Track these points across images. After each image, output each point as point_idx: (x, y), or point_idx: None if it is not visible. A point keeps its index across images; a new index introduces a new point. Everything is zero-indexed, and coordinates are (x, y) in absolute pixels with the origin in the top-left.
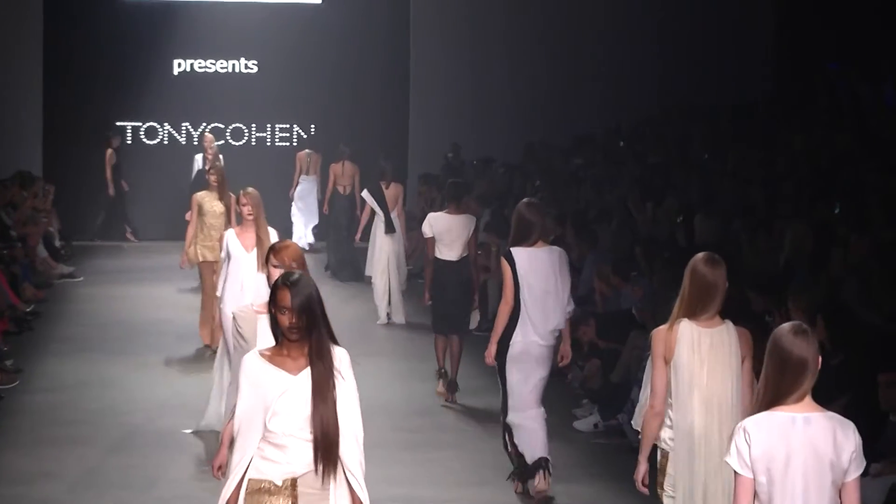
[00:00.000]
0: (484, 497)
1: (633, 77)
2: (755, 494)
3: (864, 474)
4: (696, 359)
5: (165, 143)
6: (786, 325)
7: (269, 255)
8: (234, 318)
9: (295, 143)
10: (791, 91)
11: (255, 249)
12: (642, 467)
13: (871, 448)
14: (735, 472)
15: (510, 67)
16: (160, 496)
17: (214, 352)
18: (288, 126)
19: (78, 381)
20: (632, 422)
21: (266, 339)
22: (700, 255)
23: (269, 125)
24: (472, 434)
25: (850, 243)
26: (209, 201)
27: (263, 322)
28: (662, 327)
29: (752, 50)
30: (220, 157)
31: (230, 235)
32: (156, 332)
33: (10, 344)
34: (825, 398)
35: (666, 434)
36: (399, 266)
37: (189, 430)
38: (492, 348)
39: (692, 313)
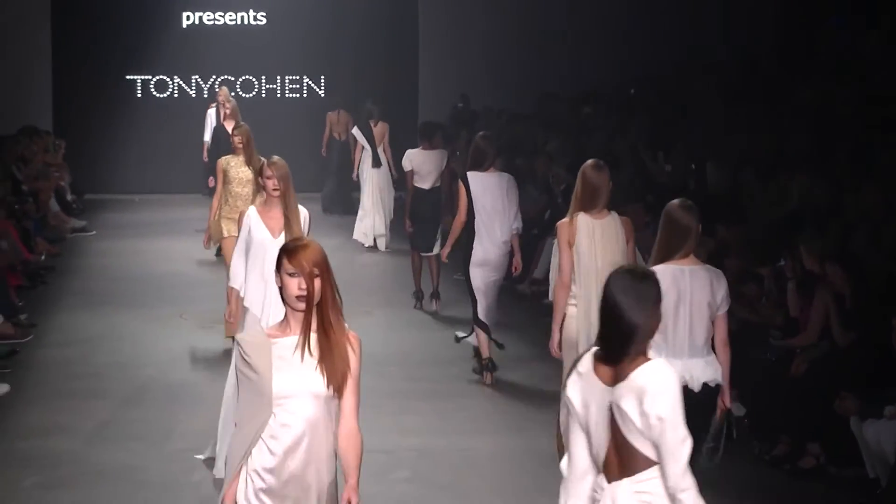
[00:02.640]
0: (498, 446)
1: (643, 31)
2: None
3: (879, 416)
4: (592, 243)
5: (176, 95)
6: (675, 202)
7: (280, 259)
8: (238, 344)
9: (305, 95)
10: (796, 45)
11: (282, 233)
12: (556, 336)
13: (886, 390)
14: None
15: (520, 17)
16: (174, 448)
17: None
18: (298, 77)
19: (91, 335)
20: (549, 297)
21: (284, 371)
22: (589, 161)
23: (278, 77)
24: (486, 384)
25: (860, 192)
26: (235, 167)
27: (282, 347)
28: (565, 220)
29: (758, 4)
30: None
31: (252, 214)
32: (168, 285)
33: (23, 298)
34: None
35: (570, 304)
36: (384, 197)
37: (201, 457)
38: (446, 250)
39: (585, 208)
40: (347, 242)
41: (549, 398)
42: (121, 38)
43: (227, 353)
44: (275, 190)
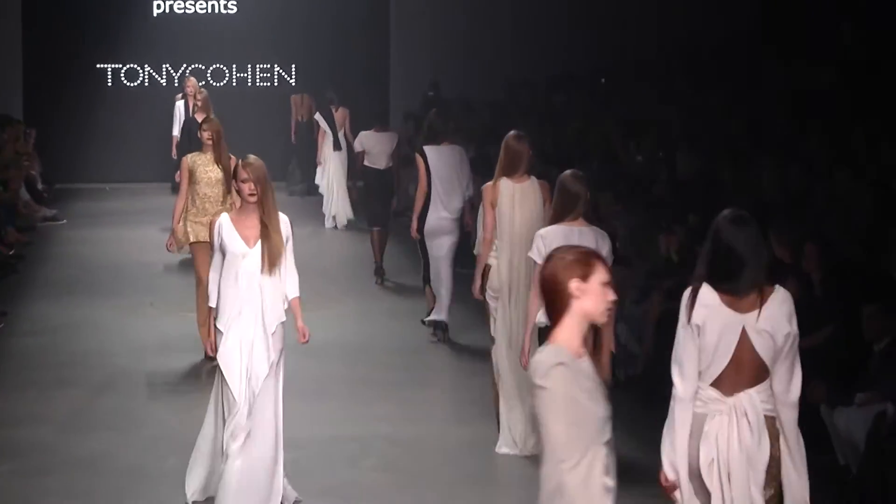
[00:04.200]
0: (468, 435)
1: (618, 14)
2: None
3: (849, 404)
4: (512, 204)
5: (146, 84)
6: (567, 172)
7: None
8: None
9: (276, 84)
10: (774, 26)
11: (258, 243)
12: (477, 281)
13: (857, 378)
14: (535, 262)
15: (492, 4)
16: (148, 436)
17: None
18: (269, 66)
19: (63, 324)
20: (475, 250)
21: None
22: (511, 132)
23: (249, 66)
24: (457, 372)
25: (834, 178)
26: (203, 165)
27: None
28: (489, 184)
29: None
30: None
31: (225, 222)
32: (140, 273)
33: None
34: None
35: (492, 257)
36: (342, 178)
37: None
38: (414, 224)
39: (507, 174)
40: (318, 231)
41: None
42: (91, 27)
43: (199, 342)
44: (251, 195)
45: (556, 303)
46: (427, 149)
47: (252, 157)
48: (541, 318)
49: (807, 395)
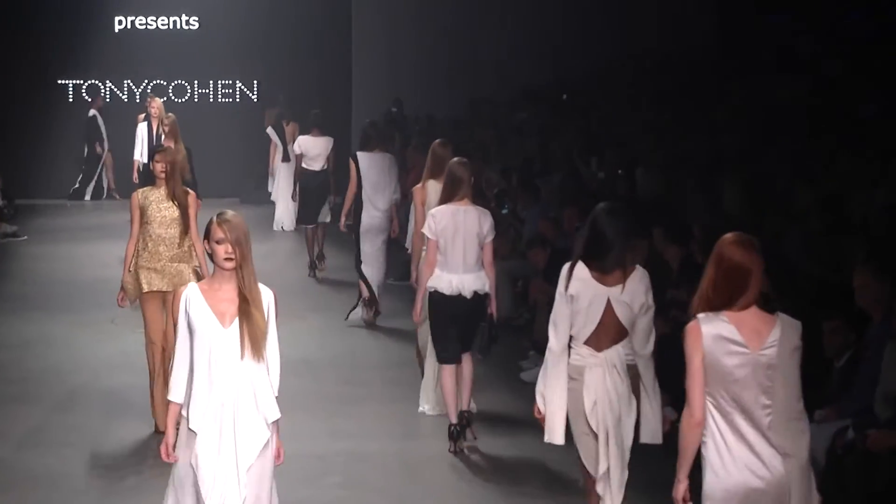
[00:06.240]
0: (432, 449)
1: (578, 30)
2: (438, 248)
3: (809, 421)
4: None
5: (108, 100)
6: (454, 160)
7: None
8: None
9: (238, 100)
10: (733, 42)
11: (236, 322)
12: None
13: (816, 394)
14: (427, 237)
15: (453, 21)
16: (106, 454)
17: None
18: (230, 82)
19: (22, 340)
20: (406, 244)
21: None
22: (437, 140)
23: (211, 81)
24: (418, 388)
25: (794, 195)
26: (156, 202)
27: None
28: (418, 186)
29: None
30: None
31: (193, 295)
32: (100, 290)
33: None
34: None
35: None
36: (290, 186)
37: None
38: (342, 220)
39: (434, 176)
40: (278, 248)
41: (480, 401)
42: (53, 43)
43: None
44: (227, 259)
45: None
46: (360, 155)
47: (230, 213)
48: (430, 283)
49: None
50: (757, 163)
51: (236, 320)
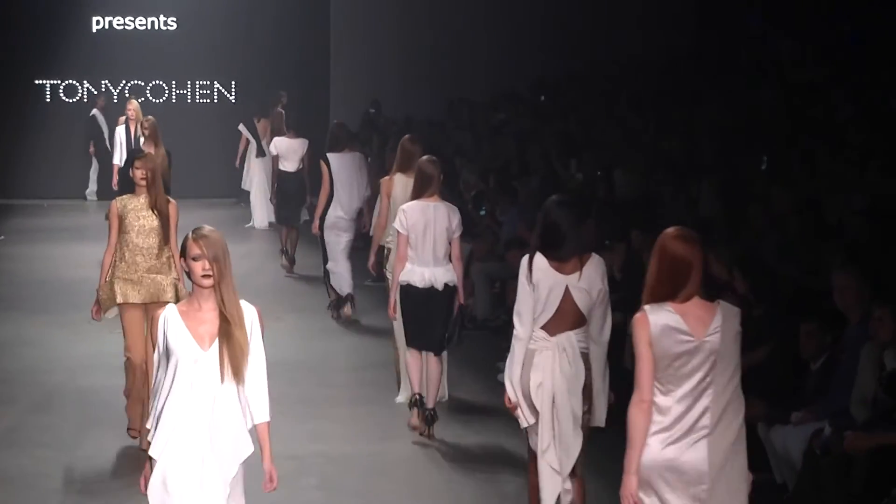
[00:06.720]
0: (407, 450)
1: (557, 33)
2: (409, 243)
3: (786, 423)
4: (405, 194)
5: (85, 100)
6: (423, 157)
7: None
8: None
9: (216, 101)
10: (712, 46)
11: (216, 343)
12: (372, 258)
13: (794, 396)
14: (398, 231)
15: (433, 22)
16: (82, 455)
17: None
18: (208, 83)
19: None
20: (370, 230)
21: None
22: (406, 136)
23: (189, 82)
24: (393, 390)
25: (772, 198)
26: (135, 211)
27: None
28: (386, 178)
29: (675, 4)
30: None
31: (171, 316)
32: (76, 290)
33: None
34: (748, 347)
35: (388, 242)
36: (264, 182)
37: None
38: (316, 222)
39: (402, 170)
40: (255, 250)
41: (453, 405)
42: (29, 43)
43: None
44: (205, 276)
45: None
46: (330, 156)
47: (207, 229)
48: (402, 277)
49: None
50: (735, 166)
51: (217, 342)
